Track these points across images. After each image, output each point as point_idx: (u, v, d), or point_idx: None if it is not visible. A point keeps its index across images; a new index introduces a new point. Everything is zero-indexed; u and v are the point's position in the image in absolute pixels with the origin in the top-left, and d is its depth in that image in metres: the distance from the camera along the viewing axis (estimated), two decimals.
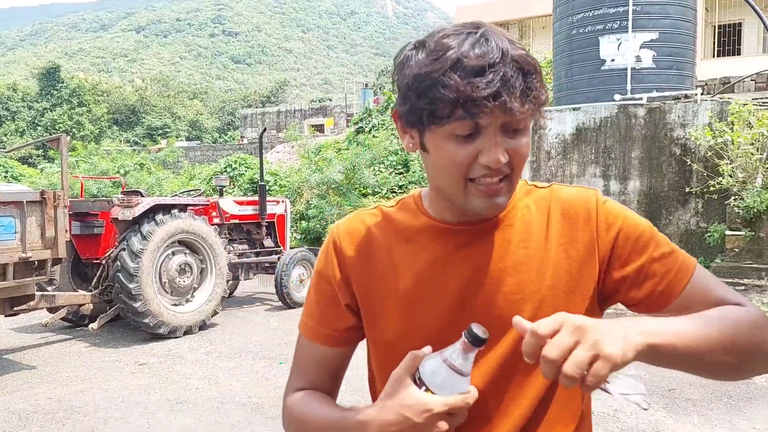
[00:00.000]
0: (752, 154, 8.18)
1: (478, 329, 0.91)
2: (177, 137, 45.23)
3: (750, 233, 8.10)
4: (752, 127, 8.37)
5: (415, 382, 0.96)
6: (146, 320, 6.59)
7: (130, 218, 6.60)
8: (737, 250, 8.28)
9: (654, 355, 0.89)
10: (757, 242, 8.12)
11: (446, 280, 1.09)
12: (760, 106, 9.23)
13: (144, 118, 53.21)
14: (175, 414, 4.64)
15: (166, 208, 6.95)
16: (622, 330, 0.87)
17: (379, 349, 1.19)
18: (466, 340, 0.91)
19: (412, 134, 1.05)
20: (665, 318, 0.94)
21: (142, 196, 7.18)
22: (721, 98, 9.66)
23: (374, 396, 1.24)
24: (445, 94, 0.93)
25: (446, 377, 0.93)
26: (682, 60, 10.18)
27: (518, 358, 0.96)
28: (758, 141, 8.25)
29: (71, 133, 42.18)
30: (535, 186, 1.16)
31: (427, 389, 0.94)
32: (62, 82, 47.66)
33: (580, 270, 1.08)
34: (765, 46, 17.61)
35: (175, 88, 65.07)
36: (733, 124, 8.50)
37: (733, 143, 8.26)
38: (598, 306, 1.10)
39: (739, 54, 18.26)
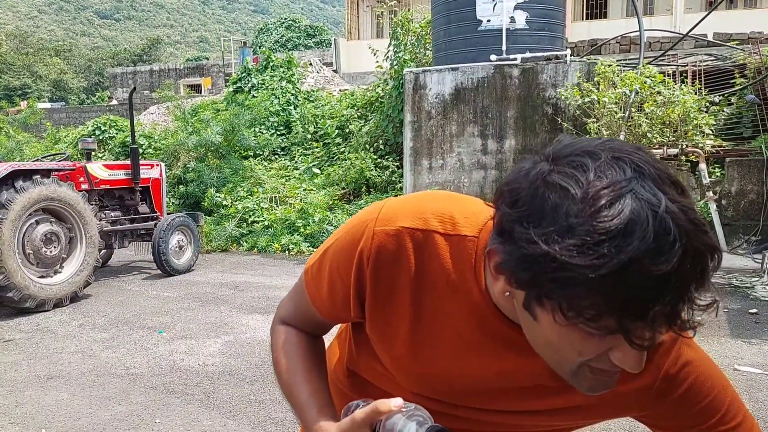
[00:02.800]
0: (616, 112, 8.68)
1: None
2: (39, 98, 41.98)
3: None
4: (616, 86, 8.87)
5: (372, 431, 0.91)
6: (9, 294, 6.14)
7: None
8: None
9: None
10: None
11: (460, 365, 0.99)
12: (623, 66, 9.79)
13: (0, 77, 48.98)
14: (46, 390, 4.38)
15: (27, 174, 6.45)
16: None
17: (375, 347, 1.10)
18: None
19: (513, 289, 0.82)
20: None
21: None
22: (588, 59, 10.15)
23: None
24: (599, 304, 0.70)
25: None
26: (554, 22, 10.56)
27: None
28: (621, 100, 8.76)
29: None
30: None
31: None
32: None
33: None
34: (629, 10, 18.63)
35: (34, 45, 60.23)
36: (599, 84, 8.97)
37: (599, 102, 8.73)
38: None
39: (605, 17, 19.25)
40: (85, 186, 7.57)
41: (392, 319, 1.00)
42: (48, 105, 33.67)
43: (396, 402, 0.86)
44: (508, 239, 0.78)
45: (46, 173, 6.69)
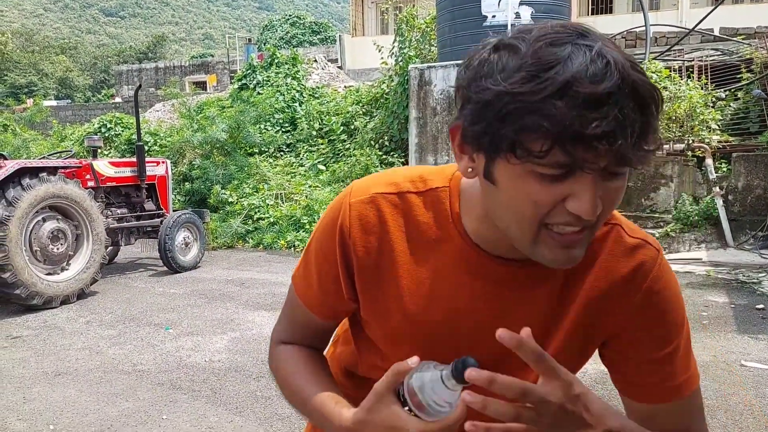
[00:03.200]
0: None
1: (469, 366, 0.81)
2: (45, 96, 42.15)
3: None
4: None
5: (398, 397, 0.88)
6: (17, 291, 6.17)
7: None
8: None
9: None
10: (626, 191, 8.65)
11: (461, 314, 0.99)
12: None
13: (6, 75, 49.16)
14: (53, 387, 4.41)
15: (34, 172, 6.47)
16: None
17: (372, 333, 1.10)
18: (453, 372, 0.82)
19: (475, 158, 0.86)
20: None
21: (5, 158, 6.64)
22: None
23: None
24: (545, 126, 0.73)
25: (432, 401, 0.84)
26: (559, 17, 10.53)
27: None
28: None
29: None
30: None
31: (411, 410, 0.87)
32: None
33: (590, 332, 1.00)
34: (634, 5, 18.57)
35: (40, 43, 60.45)
36: None
37: None
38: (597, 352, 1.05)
39: (611, 12, 19.19)
40: (91, 183, 7.59)
41: (383, 288, 1.01)
42: (54, 103, 33.78)
43: (413, 360, 0.86)
44: (466, 103, 0.83)
45: (52, 171, 6.71)
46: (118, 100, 27.99)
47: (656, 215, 8.37)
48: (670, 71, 9.11)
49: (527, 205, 0.81)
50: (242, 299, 6.72)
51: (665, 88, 8.69)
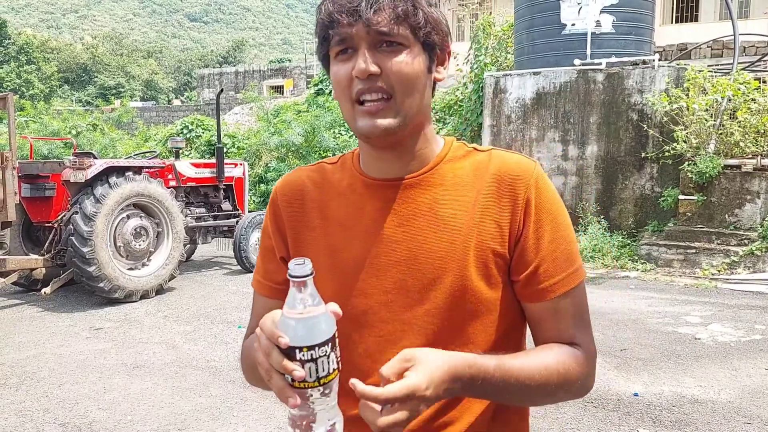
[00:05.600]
0: (706, 120, 8.33)
1: (294, 269, 0.85)
2: (131, 97, 44.04)
3: (702, 198, 8.30)
4: (707, 93, 8.51)
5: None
6: (101, 285, 6.47)
7: (83, 180, 6.42)
8: (689, 214, 8.48)
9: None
10: (709, 207, 8.33)
11: (371, 235, 1.11)
12: (715, 72, 9.38)
13: (96, 77, 51.63)
14: (131, 379, 4.59)
15: (120, 171, 6.78)
16: (446, 382, 0.92)
17: None
18: (292, 280, 0.86)
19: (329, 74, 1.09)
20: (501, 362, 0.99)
21: (95, 158, 6.98)
22: (678, 64, 9.78)
23: None
24: (321, 18, 1.03)
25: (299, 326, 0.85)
26: (641, 25, 10.24)
27: (445, 313, 1.06)
28: (712, 107, 8.40)
29: (20, 93, 40.67)
30: (475, 149, 1.16)
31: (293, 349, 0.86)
32: (9, 39, 45.75)
33: (499, 238, 1.08)
34: (722, 13, 17.85)
35: (128, 47, 63.23)
36: (688, 90, 8.63)
37: (688, 109, 8.40)
38: (507, 275, 1.10)
39: (696, 20, 18.49)
40: (173, 183, 7.88)
41: (309, 239, 1.16)
42: (140, 104, 35.20)
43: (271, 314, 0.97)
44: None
45: (137, 170, 7.01)
46: (201, 102, 28.91)
47: (740, 232, 8.01)
48: (760, 82, 8.71)
49: (336, 84, 1.05)
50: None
51: (754, 100, 8.31)
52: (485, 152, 1.14)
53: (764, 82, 8.93)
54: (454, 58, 13.09)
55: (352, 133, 10.84)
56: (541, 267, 1.07)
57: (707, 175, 8.13)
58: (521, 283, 1.08)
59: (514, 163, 1.10)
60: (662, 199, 8.85)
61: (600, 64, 9.53)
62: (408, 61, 1.01)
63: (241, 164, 9.17)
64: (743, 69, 9.62)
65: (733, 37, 10.16)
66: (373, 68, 0.99)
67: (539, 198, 1.08)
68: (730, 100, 8.44)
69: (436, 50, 1.07)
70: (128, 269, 6.86)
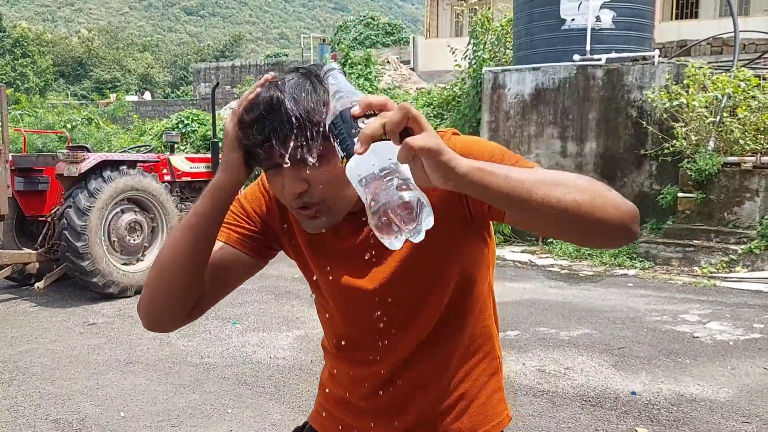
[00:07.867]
0: (706, 117, 8.29)
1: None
2: (127, 91, 43.86)
3: (701, 196, 8.26)
4: (707, 90, 8.47)
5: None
6: (95, 279, 6.41)
7: (77, 174, 6.34)
8: (688, 212, 8.45)
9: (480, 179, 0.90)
10: (708, 204, 8.29)
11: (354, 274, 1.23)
12: (715, 69, 9.34)
13: (92, 70, 51.44)
14: (125, 374, 4.54)
15: (114, 165, 6.71)
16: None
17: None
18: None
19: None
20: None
21: (89, 151, 6.91)
22: (678, 61, 9.74)
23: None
24: (244, 143, 1.09)
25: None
26: (641, 21, 10.19)
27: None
28: (712, 104, 8.36)
29: (15, 86, 40.43)
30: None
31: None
32: (3, 32, 45.52)
33: (453, 203, 1.12)
34: (722, 10, 17.81)
35: (124, 40, 63.03)
36: (688, 87, 8.59)
37: (687, 106, 8.36)
38: (478, 231, 1.19)
39: (696, 17, 18.46)
40: (167, 177, 7.81)
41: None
42: (135, 98, 35.07)
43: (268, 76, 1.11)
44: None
45: (132, 164, 6.94)
46: (197, 96, 28.81)
47: (739, 231, 7.98)
48: (760, 80, 8.67)
49: (280, 196, 1.14)
50: (308, 298, 6.77)
51: (754, 97, 8.27)
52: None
53: (764, 79, 8.89)
54: (453, 53, 13.05)
55: None
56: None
57: (706, 173, 8.09)
58: (486, 206, 1.08)
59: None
60: (661, 196, 8.81)
61: (600, 60, 9.48)
62: (331, 170, 1.06)
63: None
64: (743, 66, 9.58)
65: (733, 34, 10.12)
66: (301, 188, 1.08)
67: (460, 147, 1.06)
68: (730, 97, 8.40)
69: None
70: (122, 264, 6.80)
